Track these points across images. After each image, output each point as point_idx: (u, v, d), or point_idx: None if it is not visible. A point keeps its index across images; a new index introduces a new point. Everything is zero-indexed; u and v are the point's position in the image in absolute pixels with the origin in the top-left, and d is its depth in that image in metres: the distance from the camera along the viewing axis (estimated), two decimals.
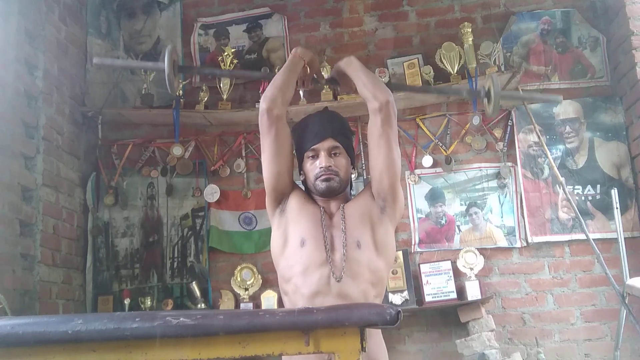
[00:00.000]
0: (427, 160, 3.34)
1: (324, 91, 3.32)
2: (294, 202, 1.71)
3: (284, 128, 1.70)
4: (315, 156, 1.70)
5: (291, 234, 1.67)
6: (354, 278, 1.58)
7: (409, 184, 3.34)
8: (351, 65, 1.77)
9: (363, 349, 0.98)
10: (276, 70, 3.43)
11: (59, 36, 3.23)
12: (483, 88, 1.93)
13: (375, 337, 1.61)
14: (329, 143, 1.69)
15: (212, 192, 3.40)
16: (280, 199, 1.73)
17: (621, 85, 3.25)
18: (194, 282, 3.28)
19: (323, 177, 1.67)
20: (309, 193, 1.77)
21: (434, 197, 3.34)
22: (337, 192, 1.69)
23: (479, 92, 1.94)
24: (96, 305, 3.27)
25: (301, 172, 1.76)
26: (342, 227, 1.64)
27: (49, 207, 2.96)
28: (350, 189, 1.82)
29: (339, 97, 3.30)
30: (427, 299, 3.11)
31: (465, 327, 3.01)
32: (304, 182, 1.77)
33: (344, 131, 1.76)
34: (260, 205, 3.35)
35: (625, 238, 2.88)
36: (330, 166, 1.67)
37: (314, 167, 1.70)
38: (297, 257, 1.63)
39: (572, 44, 3.40)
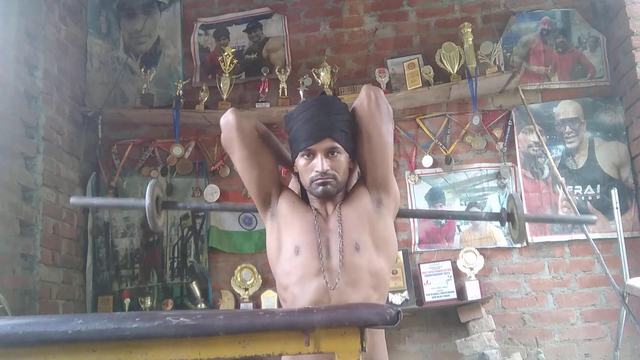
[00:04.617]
0: (427, 160, 3.34)
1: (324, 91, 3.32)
2: (285, 206, 1.64)
3: (251, 130, 1.61)
4: (311, 156, 1.58)
5: (285, 241, 1.60)
6: (354, 285, 1.52)
7: (409, 184, 3.34)
8: None
9: (363, 349, 0.98)
10: (276, 70, 3.45)
11: (59, 36, 3.23)
12: (504, 210, 1.75)
13: (375, 337, 1.57)
14: (327, 144, 1.56)
15: (212, 192, 3.40)
16: (269, 203, 1.66)
17: (621, 85, 3.25)
18: (194, 282, 3.28)
19: (319, 182, 1.56)
20: (301, 189, 1.71)
21: (434, 197, 3.34)
22: (333, 194, 1.60)
23: (501, 216, 1.75)
24: (96, 305, 3.27)
25: (294, 166, 1.66)
26: (338, 230, 1.57)
27: (49, 207, 2.96)
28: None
29: (339, 97, 3.31)
30: (427, 299, 3.11)
31: (465, 327, 3.01)
32: (297, 176, 1.69)
33: (343, 125, 1.59)
34: None
35: (625, 238, 2.89)
36: (327, 170, 1.56)
37: (310, 168, 1.59)
38: (292, 266, 1.56)
39: (572, 44, 3.40)
